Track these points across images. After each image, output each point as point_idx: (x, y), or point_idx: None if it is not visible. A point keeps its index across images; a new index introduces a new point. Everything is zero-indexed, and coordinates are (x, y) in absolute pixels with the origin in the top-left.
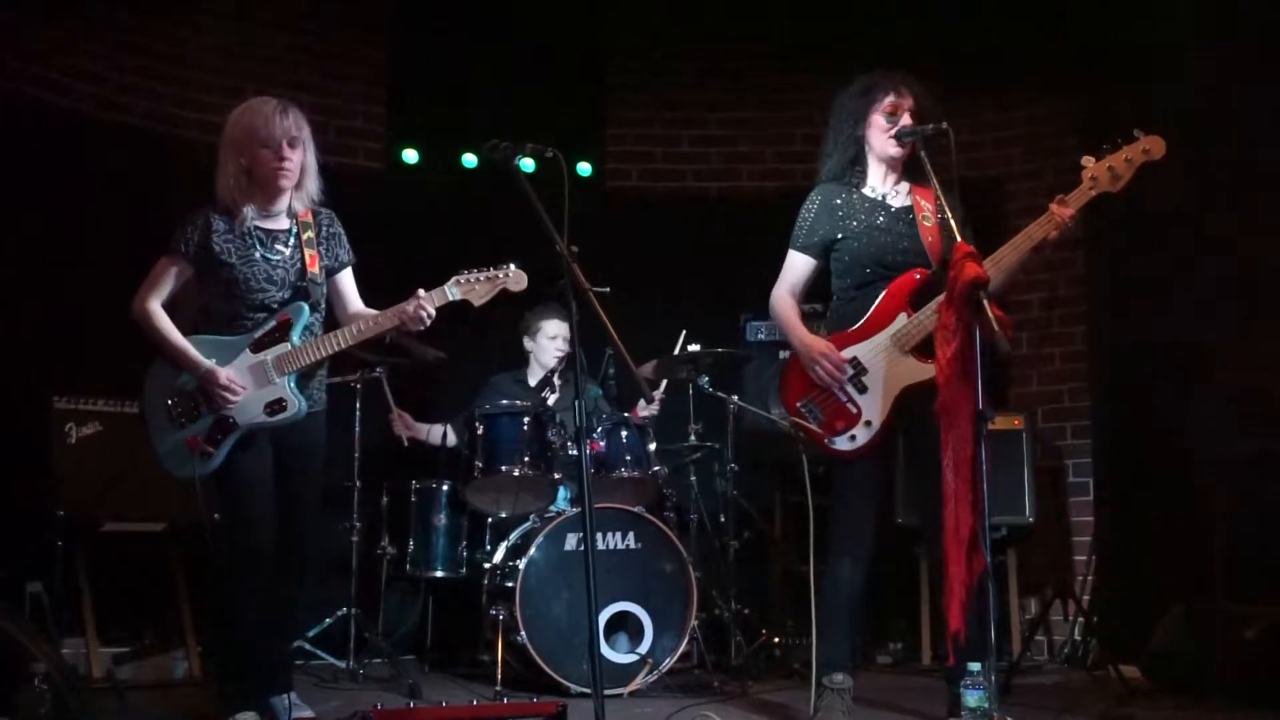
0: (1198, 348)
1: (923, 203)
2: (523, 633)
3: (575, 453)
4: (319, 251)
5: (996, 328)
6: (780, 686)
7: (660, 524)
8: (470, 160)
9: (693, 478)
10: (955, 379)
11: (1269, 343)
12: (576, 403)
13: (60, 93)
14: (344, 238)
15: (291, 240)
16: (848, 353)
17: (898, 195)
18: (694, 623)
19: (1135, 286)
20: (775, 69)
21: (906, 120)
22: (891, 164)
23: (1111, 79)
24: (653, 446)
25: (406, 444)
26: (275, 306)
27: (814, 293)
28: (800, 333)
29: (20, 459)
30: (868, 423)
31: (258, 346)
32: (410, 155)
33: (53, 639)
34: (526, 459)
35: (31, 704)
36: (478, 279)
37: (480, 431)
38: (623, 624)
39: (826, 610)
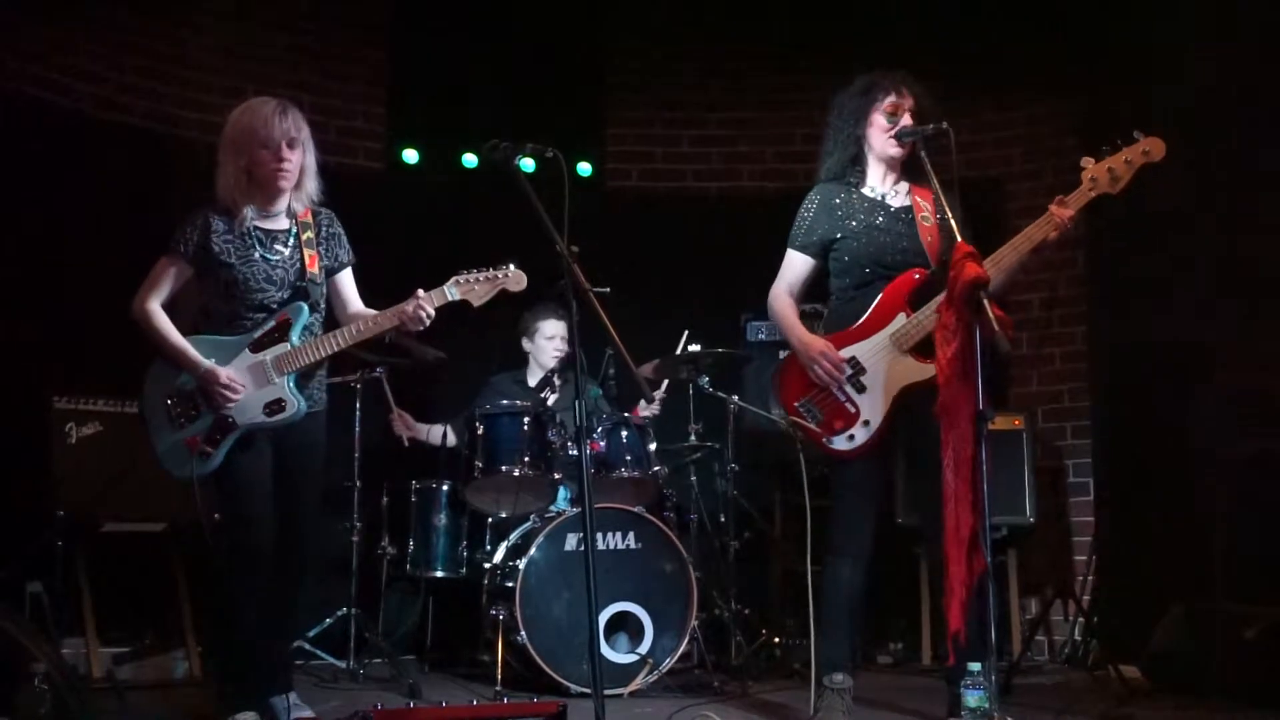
0: (1198, 348)
1: (922, 203)
2: (523, 633)
3: (575, 453)
4: (318, 252)
5: (997, 328)
6: (780, 686)
7: (660, 524)
8: (470, 160)
9: (693, 478)
10: (955, 379)
11: (1269, 343)
12: (576, 403)
13: (60, 93)
14: (344, 238)
15: (291, 240)
16: (846, 352)
17: (897, 195)
18: (694, 623)
19: (1135, 286)
20: (775, 69)
21: (907, 120)
22: (891, 164)
23: (1111, 79)
24: (653, 446)
25: (407, 444)
26: (274, 307)
27: (812, 293)
28: (799, 332)
29: (20, 459)
30: (866, 422)
31: (257, 346)
32: (410, 155)
33: (53, 639)
34: (526, 459)
35: (31, 704)
36: (477, 279)
37: (480, 431)
38: (623, 624)
39: (827, 610)
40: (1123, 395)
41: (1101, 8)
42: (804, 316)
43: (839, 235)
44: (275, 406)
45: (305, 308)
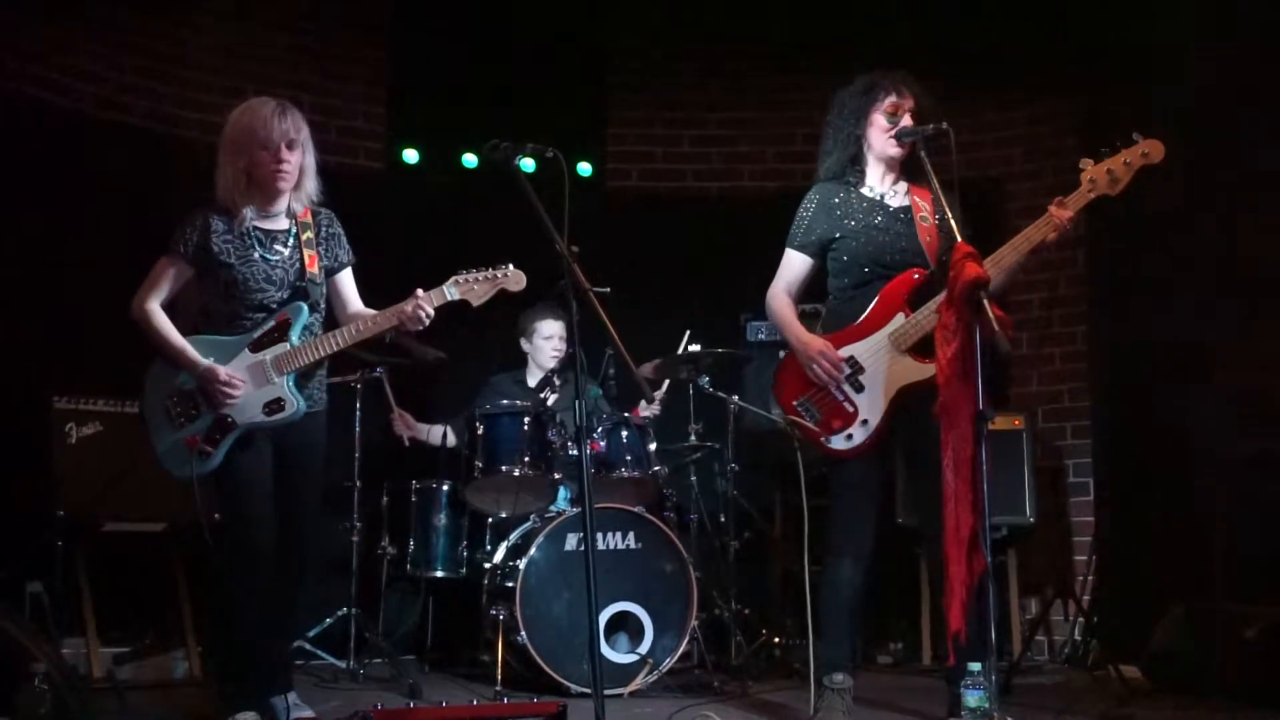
0: (1198, 348)
1: (920, 203)
2: (523, 633)
3: (575, 453)
4: (318, 252)
5: (997, 328)
6: (780, 686)
7: (660, 524)
8: (470, 160)
9: (693, 478)
10: (955, 379)
11: (1269, 343)
12: (576, 403)
13: (60, 93)
14: (343, 238)
15: (290, 240)
16: (845, 351)
17: (896, 195)
18: (694, 623)
19: (1135, 286)
20: (775, 69)
21: (907, 120)
22: (890, 164)
23: (1111, 79)
24: (653, 446)
25: (407, 444)
26: (274, 306)
27: (811, 292)
28: (797, 331)
29: (20, 459)
30: (864, 422)
31: (257, 346)
32: (410, 155)
33: (53, 639)
34: (526, 459)
35: (31, 704)
36: (476, 279)
37: (480, 431)
38: (623, 624)
39: (827, 610)
40: (1123, 395)
41: (1101, 8)
42: (803, 316)
43: (838, 235)
44: (275, 406)
45: (305, 308)
